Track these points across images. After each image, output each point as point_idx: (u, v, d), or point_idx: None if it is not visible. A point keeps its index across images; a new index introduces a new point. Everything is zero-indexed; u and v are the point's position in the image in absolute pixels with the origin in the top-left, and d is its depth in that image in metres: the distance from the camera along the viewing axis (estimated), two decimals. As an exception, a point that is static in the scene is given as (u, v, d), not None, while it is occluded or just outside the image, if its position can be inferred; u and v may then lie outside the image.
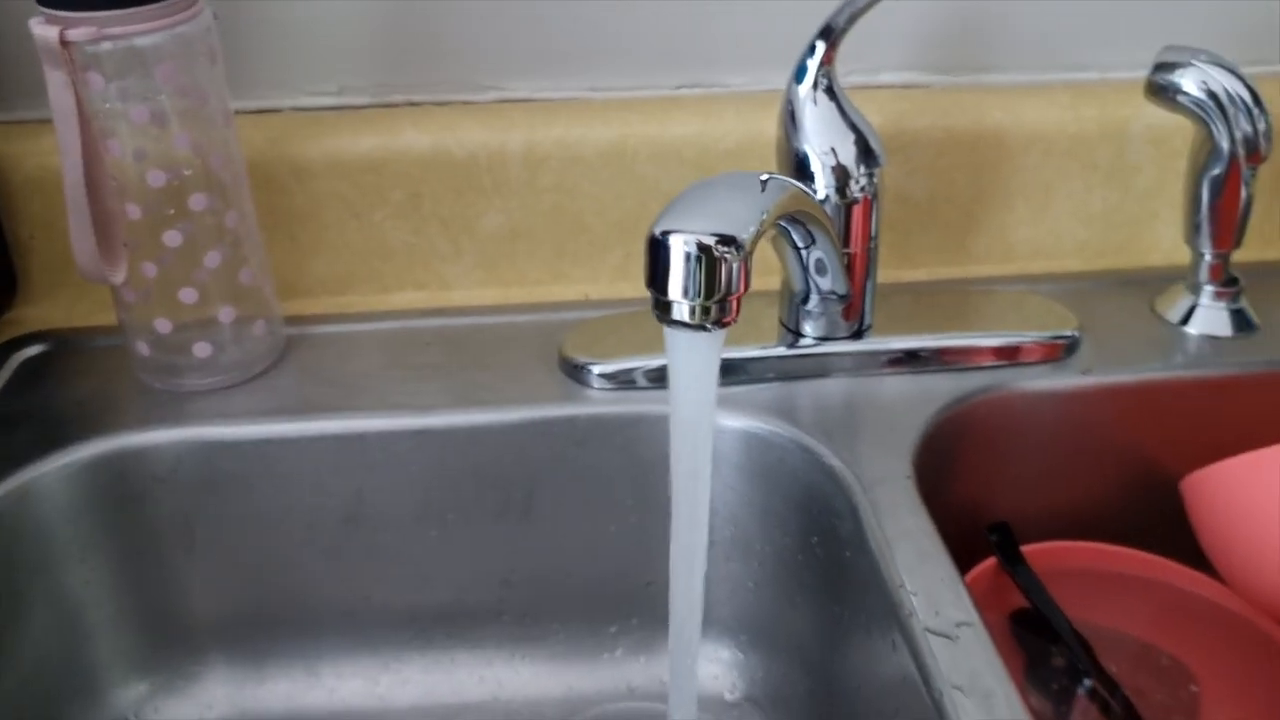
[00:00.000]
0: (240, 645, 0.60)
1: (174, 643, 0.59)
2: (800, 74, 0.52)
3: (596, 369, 0.57)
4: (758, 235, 0.31)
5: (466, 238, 0.64)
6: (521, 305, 0.65)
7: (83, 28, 0.48)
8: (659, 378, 0.57)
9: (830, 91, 0.52)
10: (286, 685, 0.61)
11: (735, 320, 0.31)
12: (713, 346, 0.32)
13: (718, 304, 0.30)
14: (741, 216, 0.31)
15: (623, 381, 0.57)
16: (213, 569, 0.58)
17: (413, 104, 0.65)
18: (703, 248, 0.29)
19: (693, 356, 0.32)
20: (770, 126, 0.55)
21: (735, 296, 0.30)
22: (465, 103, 0.65)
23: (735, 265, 0.30)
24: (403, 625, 0.61)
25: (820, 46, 0.51)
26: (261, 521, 0.57)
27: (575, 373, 0.58)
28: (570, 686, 0.61)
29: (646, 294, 0.65)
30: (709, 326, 0.31)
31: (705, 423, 0.32)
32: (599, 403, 0.57)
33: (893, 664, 0.45)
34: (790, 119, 0.52)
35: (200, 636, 0.60)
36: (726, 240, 0.30)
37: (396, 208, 0.63)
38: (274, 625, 0.60)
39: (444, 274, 0.65)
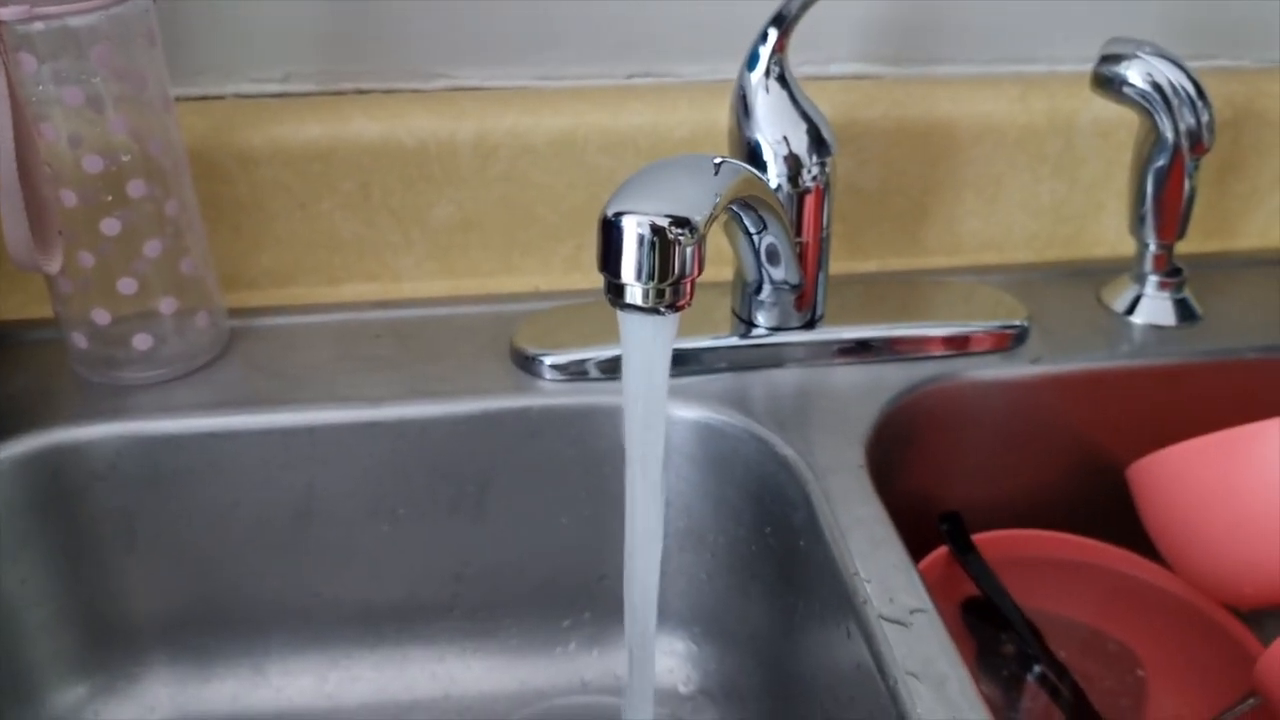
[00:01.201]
0: (184, 644, 0.59)
1: (115, 643, 0.58)
2: (752, 61, 0.51)
3: (548, 360, 0.56)
4: (711, 218, 0.31)
5: (417, 229, 0.64)
6: (473, 296, 0.64)
7: (13, 6, 0.47)
8: (611, 369, 0.56)
9: (782, 80, 0.52)
10: (233, 685, 0.60)
11: (689, 304, 0.31)
12: (666, 331, 0.31)
13: (671, 287, 0.30)
14: (695, 198, 0.30)
15: (575, 372, 0.57)
16: (155, 567, 0.57)
17: (361, 91, 0.63)
18: (656, 229, 0.29)
19: (645, 341, 0.31)
20: (723, 116, 0.55)
21: (689, 279, 0.30)
22: (415, 91, 0.64)
23: (689, 248, 0.29)
24: (353, 622, 0.60)
25: (772, 34, 0.51)
26: (206, 518, 0.56)
27: (527, 364, 0.57)
28: (523, 681, 0.61)
29: (598, 285, 0.65)
30: (662, 310, 0.30)
31: (658, 409, 0.32)
32: (551, 394, 0.56)
33: (847, 652, 0.45)
34: (742, 107, 0.52)
35: (143, 636, 0.58)
36: (680, 222, 0.29)
37: (345, 197, 0.62)
38: (219, 624, 0.59)
39: (394, 265, 0.64)
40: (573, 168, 0.63)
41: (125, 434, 0.54)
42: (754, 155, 0.53)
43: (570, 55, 0.64)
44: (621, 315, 0.31)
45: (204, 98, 0.62)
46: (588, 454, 0.57)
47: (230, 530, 0.57)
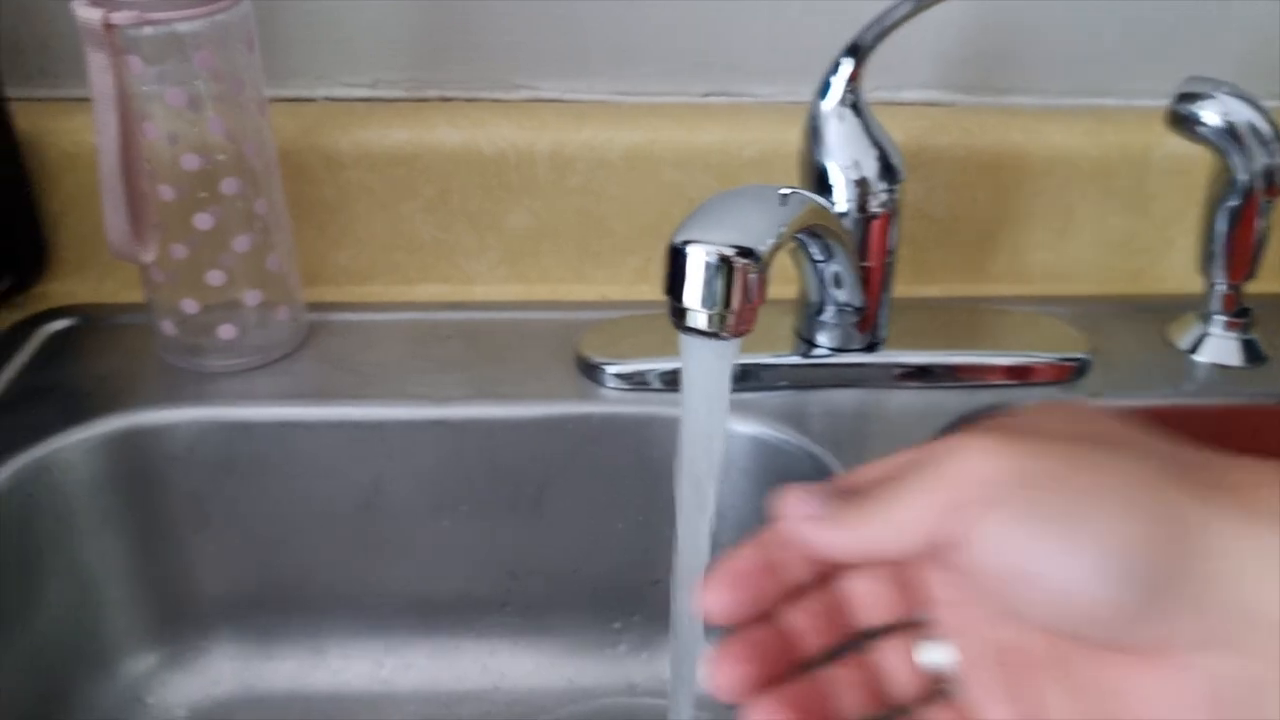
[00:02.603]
0: (249, 624, 0.61)
1: (184, 618, 0.60)
2: (824, 90, 0.52)
3: (612, 369, 0.58)
4: (776, 248, 0.32)
5: (492, 234, 0.65)
6: (543, 303, 0.65)
7: (126, 11, 0.49)
8: (672, 380, 0.58)
9: (855, 107, 0.53)
10: (292, 665, 0.62)
11: (750, 330, 0.32)
12: (726, 355, 0.33)
13: (734, 314, 0.31)
14: (761, 229, 0.31)
15: (637, 382, 0.58)
16: (225, 548, 0.59)
17: (445, 99, 0.66)
18: (722, 258, 0.30)
19: (706, 364, 0.33)
20: (794, 138, 0.56)
21: (751, 307, 0.31)
22: (497, 100, 0.66)
23: (753, 277, 0.30)
24: (410, 612, 0.62)
25: (847, 64, 0.51)
26: (276, 504, 0.58)
27: (591, 372, 0.58)
28: (571, 679, 0.62)
29: (664, 298, 0.67)
30: (724, 335, 0.31)
31: (716, 431, 0.33)
32: (613, 402, 0.58)
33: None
34: (814, 132, 0.53)
35: (210, 613, 0.61)
36: (745, 252, 0.30)
37: (425, 201, 0.64)
38: (283, 606, 0.61)
39: (468, 269, 0.66)
40: (646, 182, 0.64)
41: (205, 419, 0.57)
42: (823, 179, 0.54)
43: (648, 71, 0.65)
44: (683, 338, 0.32)
45: (296, 100, 0.65)
46: (645, 462, 0.58)
47: (298, 517, 0.59)
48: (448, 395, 0.57)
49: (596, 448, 0.58)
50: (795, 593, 0.28)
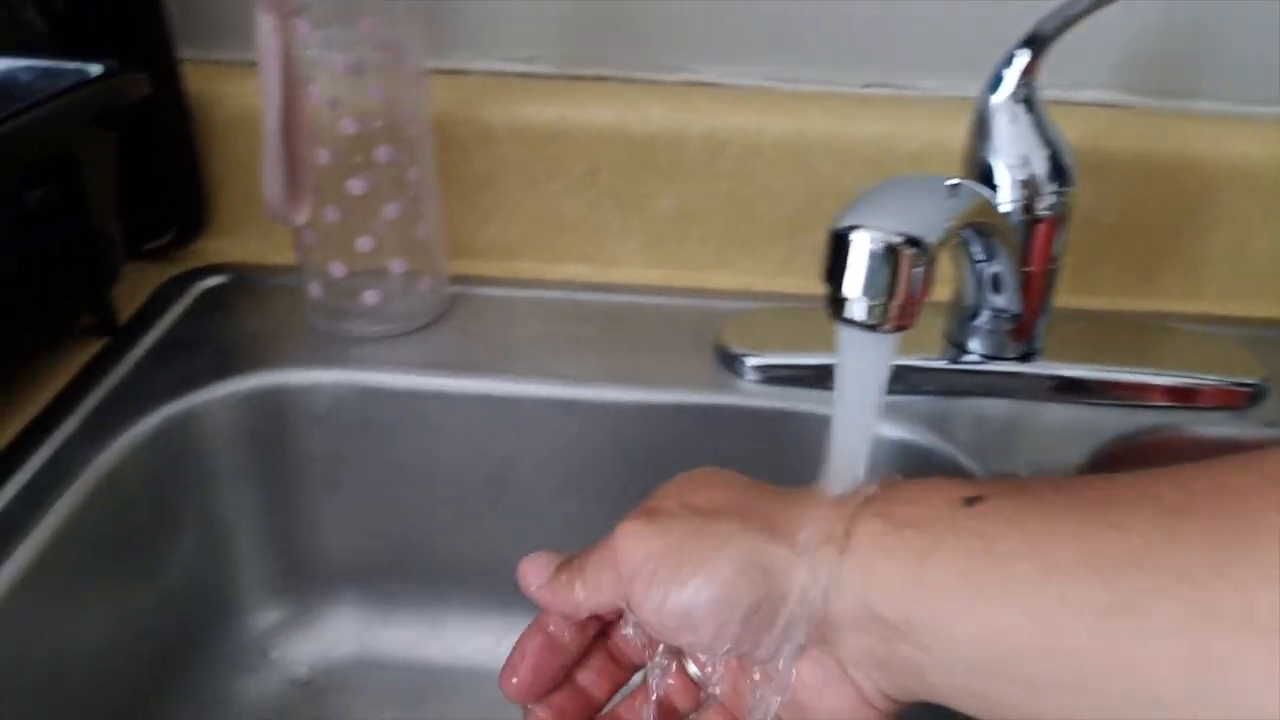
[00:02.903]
0: (371, 588, 0.62)
1: (310, 577, 0.62)
2: (998, 82, 0.50)
3: (751, 360, 0.56)
4: (944, 240, 0.30)
5: (638, 216, 0.65)
6: (684, 289, 0.64)
7: (298, -25, 0.50)
8: (813, 376, 0.56)
9: (1028, 102, 0.50)
10: (410, 633, 0.62)
11: (911, 325, 0.30)
12: (884, 350, 0.31)
13: (896, 306, 0.29)
14: (930, 219, 0.29)
15: (776, 376, 0.56)
16: (354, 511, 0.60)
17: (600, 78, 0.65)
18: (888, 247, 0.28)
19: (863, 359, 0.31)
20: (957, 134, 0.53)
21: (915, 300, 0.29)
22: (651, 81, 0.65)
23: (919, 269, 0.29)
24: (530, 591, 0.61)
25: (1022, 57, 0.49)
26: (407, 471, 0.59)
27: (730, 362, 0.57)
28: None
29: (810, 290, 0.65)
30: (884, 329, 0.30)
31: (868, 429, 0.31)
32: (750, 395, 0.56)
33: None
34: (982, 126, 0.50)
35: (335, 575, 0.62)
36: (913, 242, 0.29)
37: (574, 179, 0.64)
38: (406, 573, 0.62)
39: (612, 250, 0.66)
40: (797, 171, 0.62)
41: (345, 382, 0.57)
42: (987, 176, 0.51)
43: (808, 58, 0.64)
44: (840, 330, 0.30)
45: (453, 71, 0.65)
46: (779, 457, 0.56)
47: (428, 486, 0.59)
48: (583, 376, 0.57)
49: (731, 440, 0.56)
50: (582, 653, 0.37)
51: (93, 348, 0.58)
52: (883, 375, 0.31)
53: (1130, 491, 0.26)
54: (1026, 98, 0.50)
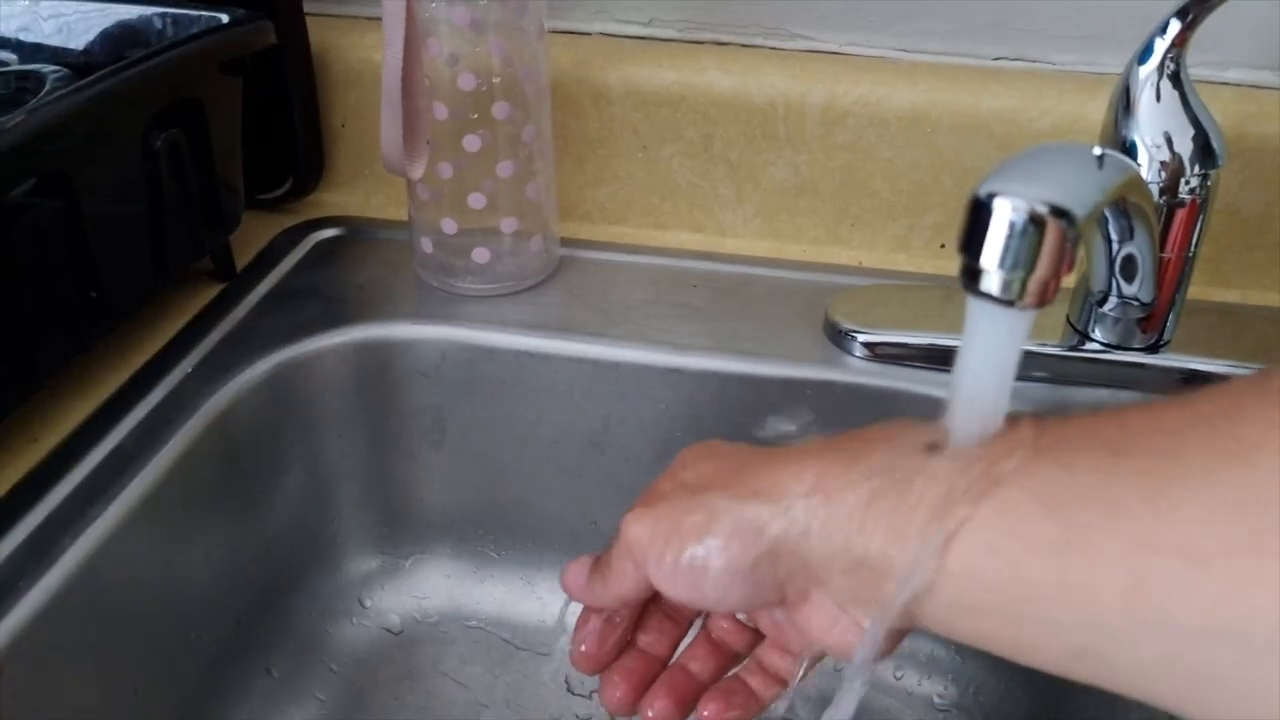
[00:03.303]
0: (466, 542, 0.63)
1: (407, 529, 0.62)
2: (1145, 54, 0.47)
3: (862, 337, 0.55)
4: (1093, 214, 0.28)
5: (750, 185, 0.63)
6: (794, 262, 0.63)
7: (425, -73, 0.50)
8: (924, 356, 0.54)
9: (1176, 78, 0.47)
10: (502, 590, 0.63)
11: (1050, 302, 0.28)
12: (1019, 329, 0.29)
13: (1037, 281, 0.28)
14: (1079, 190, 0.28)
15: (886, 355, 0.55)
16: (456, 465, 0.60)
17: (719, 44, 0.64)
18: (1033, 216, 0.27)
19: (995, 336, 0.29)
20: (1092, 112, 0.51)
21: (1057, 277, 0.27)
22: (772, 49, 0.63)
23: (1064, 242, 0.27)
24: (622, 557, 0.61)
25: (1174, 26, 0.46)
26: (509, 429, 0.59)
27: (838, 338, 0.56)
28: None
29: (924, 269, 0.63)
30: (1020, 304, 0.28)
31: (997, 412, 0.30)
32: (858, 372, 0.55)
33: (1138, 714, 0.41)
34: (1124, 102, 0.48)
35: (432, 528, 0.62)
36: (1060, 212, 0.27)
37: (687, 145, 0.63)
38: (501, 530, 0.62)
39: (722, 219, 0.65)
40: (919, 146, 0.60)
41: (453, 339, 0.57)
42: (1129, 155, 0.48)
43: (936, 28, 0.61)
44: (971, 303, 0.29)
45: (571, 32, 0.65)
46: (884, 440, 0.55)
47: (528, 445, 0.59)
48: (687, 344, 0.56)
49: (836, 416, 0.55)
50: (639, 618, 0.40)
51: (211, 292, 0.60)
52: (1015, 354, 0.30)
53: (1078, 430, 0.29)
54: (1174, 72, 0.47)
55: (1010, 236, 0.27)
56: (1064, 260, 0.28)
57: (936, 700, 0.58)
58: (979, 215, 0.28)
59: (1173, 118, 0.47)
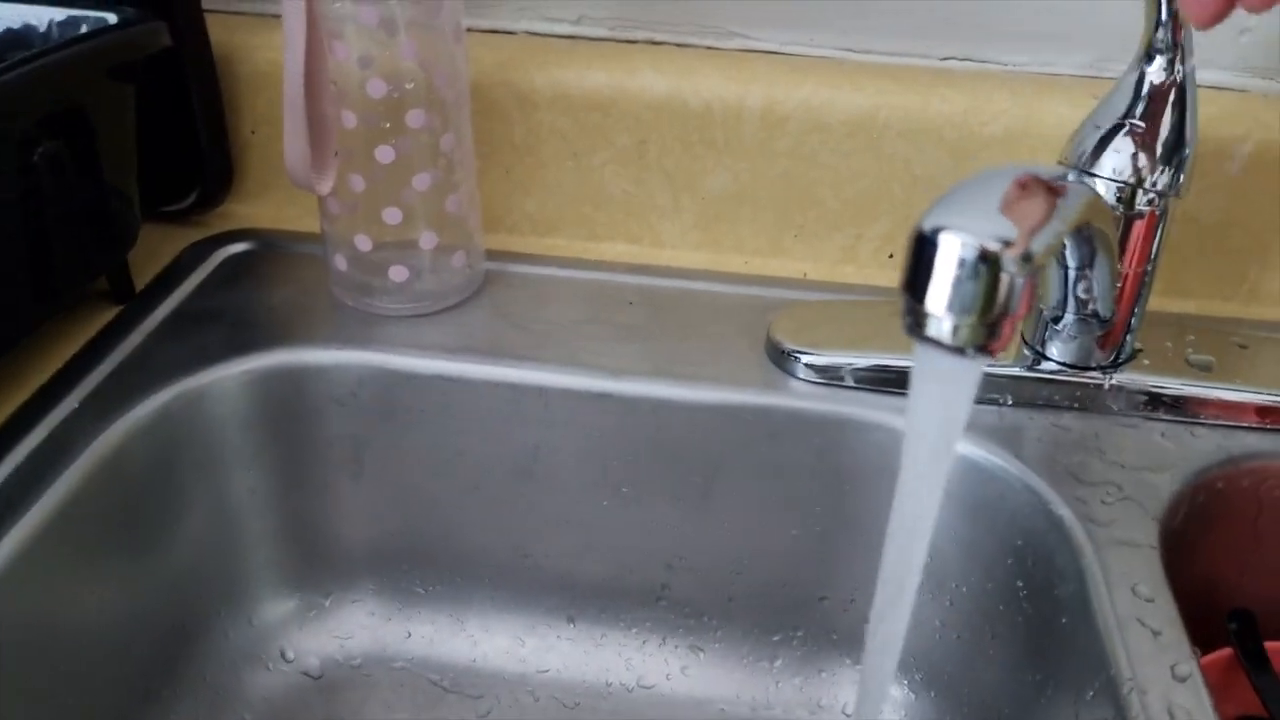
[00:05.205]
0: (389, 581, 0.59)
1: (325, 568, 0.58)
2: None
3: (805, 359, 0.51)
4: (1051, 249, 0.25)
5: (688, 194, 0.60)
6: (735, 275, 0.60)
7: (325, -81, 0.46)
8: (873, 379, 0.51)
9: (1142, 80, 0.44)
10: (430, 629, 0.59)
11: (1004, 350, 0.25)
12: (970, 376, 0.26)
13: (988, 326, 0.24)
14: (1034, 220, 0.25)
15: (832, 377, 0.51)
16: (376, 499, 0.57)
17: (653, 43, 0.60)
18: (984, 254, 0.24)
19: (943, 385, 0.26)
20: (1048, 115, 0.48)
21: (1012, 320, 0.24)
22: (708, 48, 0.60)
23: (1019, 281, 0.24)
24: (557, 591, 0.58)
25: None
26: (431, 459, 0.55)
27: (781, 359, 0.52)
28: (719, 688, 0.57)
29: (873, 281, 0.60)
30: (971, 352, 0.25)
31: (943, 463, 0.27)
32: (802, 396, 0.51)
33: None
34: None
35: (352, 566, 0.59)
36: (1013, 247, 0.24)
37: (620, 152, 0.59)
38: (427, 566, 0.58)
39: (658, 229, 0.61)
40: (865, 152, 0.57)
41: (369, 364, 0.54)
42: (1086, 163, 0.45)
43: (882, 27, 0.58)
44: (918, 349, 0.26)
45: (494, 31, 0.61)
46: (831, 467, 0.52)
47: (452, 476, 0.55)
48: (621, 367, 0.52)
49: (778, 444, 0.52)
50: None
51: (106, 316, 0.55)
52: (965, 405, 0.27)
53: None
54: (1139, 78, 0.44)
55: (959, 277, 0.24)
56: (1019, 301, 0.24)
57: (889, 738, 0.55)
58: (923, 252, 0.24)
59: (1139, 122, 0.44)
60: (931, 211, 0.25)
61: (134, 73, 0.53)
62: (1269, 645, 0.50)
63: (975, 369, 0.26)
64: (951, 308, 0.24)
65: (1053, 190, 0.27)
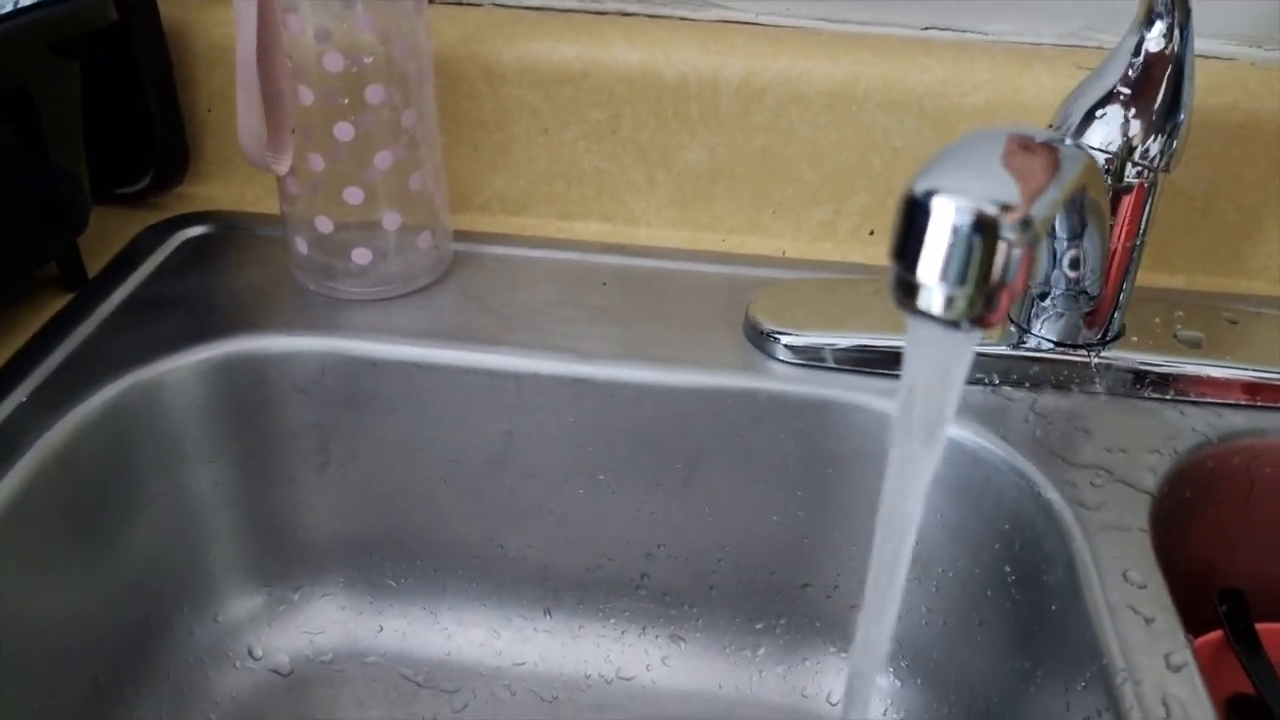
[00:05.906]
0: (360, 574, 0.57)
1: (293, 561, 0.56)
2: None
3: (786, 339, 0.50)
4: (1052, 214, 0.23)
5: (663, 170, 0.58)
6: (712, 253, 0.58)
7: (276, -117, 0.43)
8: (854, 360, 0.49)
9: (1137, 48, 0.43)
10: (402, 623, 0.57)
11: (1000, 322, 0.23)
12: (964, 350, 0.24)
13: (984, 297, 0.23)
14: (1034, 184, 0.23)
15: (813, 358, 0.50)
16: (344, 489, 0.55)
17: (625, 14, 0.58)
18: (980, 219, 0.22)
19: (935, 360, 0.24)
20: (1030, 85, 0.46)
21: (1009, 291, 0.23)
22: (682, 19, 0.58)
23: (1018, 250, 0.22)
24: (533, 582, 0.56)
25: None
26: (401, 448, 0.53)
27: (760, 340, 0.51)
28: (701, 679, 0.55)
29: (853, 258, 0.58)
30: (964, 325, 0.23)
31: (935, 438, 0.25)
32: (782, 378, 0.50)
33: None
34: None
35: (322, 558, 0.57)
36: (1012, 212, 0.22)
37: (592, 127, 0.57)
38: (399, 558, 0.57)
39: (633, 207, 0.59)
40: (845, 124, 0.56)
41: (333, 350, 0.52)
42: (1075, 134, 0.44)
43: (861, -4, 0.56)
44: (910, 321, 0.24)
45: (458, 3, 0.59)
46: (813, 451, 0.50)
47: (423, 465, 0.54)
48: (595, 351, 0.51)
49: (759, 428, 0.50)
50: None
51: (57, 304, 0.53)
52: (958, 381, 0.25)
53: None
54: (1138, 43, 0.43)
55: (953, 244, 0.22)
56: (1015, 271, 0.23)
57: (875, 727, 0.53)
58: (914, 218, 0.23)
59: (1127, 93, 0.42)
60: (923, 173, 0.23)
61: (78, 48, 0.51)
62: (1261, 627, 0.49)
63: (969, 343, 0.24)
64: (945, 277, 0.23)
65: (1051, 152, 0.25)
